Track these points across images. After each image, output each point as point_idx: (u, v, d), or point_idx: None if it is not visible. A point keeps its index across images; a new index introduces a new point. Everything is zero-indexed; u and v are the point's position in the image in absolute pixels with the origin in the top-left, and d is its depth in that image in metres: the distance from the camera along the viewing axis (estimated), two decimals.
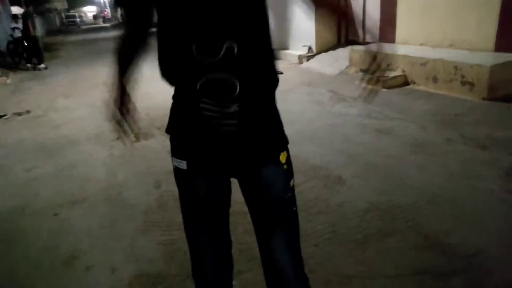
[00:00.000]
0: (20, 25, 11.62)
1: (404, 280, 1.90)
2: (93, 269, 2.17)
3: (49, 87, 7.96)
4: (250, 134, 1.02)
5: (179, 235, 2.16)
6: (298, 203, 1.18)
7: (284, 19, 8.56)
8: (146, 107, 5.39)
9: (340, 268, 2.00)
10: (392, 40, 6.37)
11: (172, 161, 1.14)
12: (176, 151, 1.11)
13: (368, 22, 7.01)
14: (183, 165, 1.10)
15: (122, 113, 1.15)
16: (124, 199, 2.93)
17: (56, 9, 40.72)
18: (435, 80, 4.96)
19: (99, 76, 8.55)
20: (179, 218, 1.24)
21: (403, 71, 5.42)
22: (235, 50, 0.92)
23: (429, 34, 5.70)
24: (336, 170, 3.11)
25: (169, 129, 1.10)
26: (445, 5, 5.35)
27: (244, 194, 1.15)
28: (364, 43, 1.16)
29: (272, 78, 1.05)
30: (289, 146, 1.17)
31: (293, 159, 1.18)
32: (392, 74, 5.45)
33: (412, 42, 6.00)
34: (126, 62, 1.13)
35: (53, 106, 6.20)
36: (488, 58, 4.53)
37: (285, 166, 1.10)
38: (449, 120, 3.99)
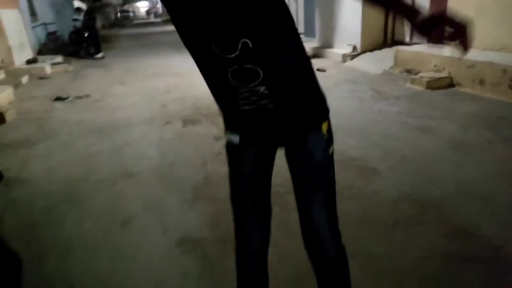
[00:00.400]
0: (80, 17, 12.50)
1: (429, 262, 2.02)
2: (146, 230, 2.47)
3: (106, 75, 8.58)
4: (287, 109, 1.14)
5: (223, 208, 2.41)
6: (336, 188, 1.30)
7: (330, 18, 8.63)
8: (192, 97, 5.75)
9: (367, 247, 2.16)
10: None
11: (225, 136, 1.31)
12: (230, 126, 1.28)
13: None
14: (236, 139, 1.26)
15: None
16: (174, 175, 3.23)
17: (111, 4, 42.98)
18: (481, 83, 4.89)
19: (151, 67, 9.09)
20: (223, 194, 1.43)
21: (449, 72, 5.37)
22: (250, 45, 1.02)
23: (479, 36, 5.59)
24: (372, 162, 3.24)
25: (222, 109, 1.26)
26: (498, 8, 5.24)
27: (288, 160, 1.29)
28: (411, 43, 1.21)
29: (297, 61, 1.16)
30: None
31: (335, 154, 1.30)
32: (438, 75, 5.42)
33: None
34: None
35: (110, 92, 6.71)
36: None
37: (326, 135, 1.23)
38: (492, 122, 3.96)
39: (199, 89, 5.65)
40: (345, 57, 7.82)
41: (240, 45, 1.02)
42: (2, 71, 8.21)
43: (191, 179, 3.09)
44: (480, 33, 5.44)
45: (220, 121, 1.36)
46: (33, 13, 11.92)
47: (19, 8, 10.25)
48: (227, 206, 1.40)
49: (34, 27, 11.31)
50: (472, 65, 5.04)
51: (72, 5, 16.56)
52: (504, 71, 4.57)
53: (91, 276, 2.08)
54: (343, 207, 2.54)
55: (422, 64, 5.94)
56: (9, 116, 5.05)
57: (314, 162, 1.23)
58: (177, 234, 2.38)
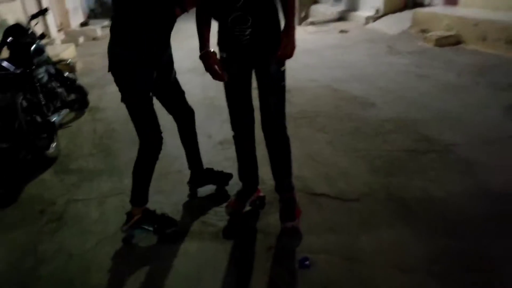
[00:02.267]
0: None
1: (395, 153, 2.88)
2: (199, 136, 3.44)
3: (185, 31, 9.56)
4: (258, 44, 1.87)
5: None
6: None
7: None
8: None
9: (353, 146, 3.04)
10: (455, 2, 6.77)
11: (219, 53, 2.06)
12: (221, 46, 2.04)
13: None
14: (224, 55, 1.97)
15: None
16: (215, 105, 4.17)
17: None
18: (484, 39, 5.46)
19: (190, 29, 9.95)
20: None
21: (457, 31, 5.93)
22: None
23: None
24: (371, 98, 4.04)
25: (218, 41, 2.04)
26: None
27: (257, 77, 1.99)
28: (430, 5, 1.91)
29: (273, 16, 1.87)
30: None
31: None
32: (447, 33, 5.99)
33: (473, 5, 6.38)
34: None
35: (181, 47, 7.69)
36: None
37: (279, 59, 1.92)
38: (484, 70, 4.61)
39: None
40: (368, 19, 8.37)
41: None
42: (62, 32, 9.38)
43: (226, 107, 4.02)
44: None
45: None
46: None
47: None
48: None
49: None
50: (477, 23, 5.59)
51: None
52: (505, 28, 5.12)
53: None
54: (342, 126, 3.43)
55: (436, 24, 6.49)
56: (78, 66, 6.14)
57: (272, 75, 1.95)
58: (218, 139, 3.35)
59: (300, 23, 9.21)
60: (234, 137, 2.28)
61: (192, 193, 2.58)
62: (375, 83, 4.57)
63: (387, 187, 2.46)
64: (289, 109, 2.16)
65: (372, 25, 8.06)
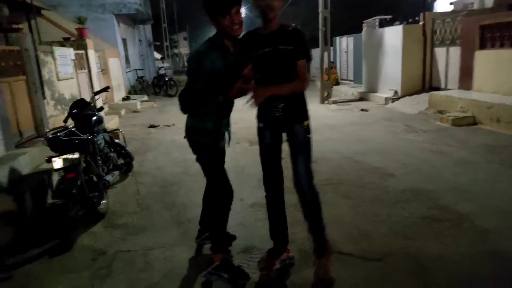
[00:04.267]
0: (163, 65, 14.98)
1: (413, 219, 3.14)
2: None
3: None
4: (288, 115, 2.35)
5: None
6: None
7: (375, 66, 9.95)
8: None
9: (374, 211, 3.32)
10: (469, 87, 7.31)
11: (258, 124, 2.55)
12: (259, 119, 2.53)
13: (449, 73, 8.04)
14: (261, 125, 2.49)
15: None
16: (245, 173, 4.59)
17: (180, 53, 48.07)
18: (498, 121, 5.84)
19: None
20: None
21: (472, 113, 6.37)
22: None
23: (499, 84, 6.58)
24: (390, 170, 4.38)
25: (259, 116, 2.55)
26: None
27: (288, 139, 2.41)
28: (445, 89, 2.43)
29: (299, 97, 2.39)
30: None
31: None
32: (463, 114, 6.43)
33: (485, 90, 6.90)
34: None
35: None
36: None
37: (306, 127, 2.37)
38: (497, 149, 4.93)
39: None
40: (387, 100, 8.99)
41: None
42: (107, 105, 10.41)
43: (255, 176, 4.42)
44: (500, 81, 6.47)
45: None
46: (127, 61, 14.57)
47: (119, 57, 12.79)
48: None
49: (127, 72, 13.85)
50: (491, 106, 6.02)
51: (153, 55, 19.54)
52: None
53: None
54: (363, 193, 3.75)
55: (451, 106, 6.97)
56: (123, 137, 6.82)
57: (300, 139, 2.39)
58: (250, 202, 3.70)
59: (323, 102, 9.93)
60: (266, 197, 2.62)
61: (199, 249, 2.89)
62: (394, 156, 4.93)
63: (405, 247, 2.70)
64: (315, 177, 2.51)
65: (392, 105, 8.64)
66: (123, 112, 10.13)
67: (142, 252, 2.96)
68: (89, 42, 9.26)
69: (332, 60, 14.34)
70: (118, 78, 12.21)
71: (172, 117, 9.25)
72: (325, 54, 10.17)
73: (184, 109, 2.48)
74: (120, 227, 3.45)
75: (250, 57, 2.41)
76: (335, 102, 9.70)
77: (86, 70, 9.08)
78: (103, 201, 3.70)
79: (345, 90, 11.62)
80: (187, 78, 2.44)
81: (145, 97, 12.69)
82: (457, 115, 6.48)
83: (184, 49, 55.10)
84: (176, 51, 41.74)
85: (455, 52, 7.94)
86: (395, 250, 2.70)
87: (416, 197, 3.57)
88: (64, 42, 9.13)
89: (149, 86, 15.26)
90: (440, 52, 8.54)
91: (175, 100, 11.97)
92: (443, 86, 8.35)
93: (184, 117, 2.55)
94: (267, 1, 2.24)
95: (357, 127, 6.91)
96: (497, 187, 3.69)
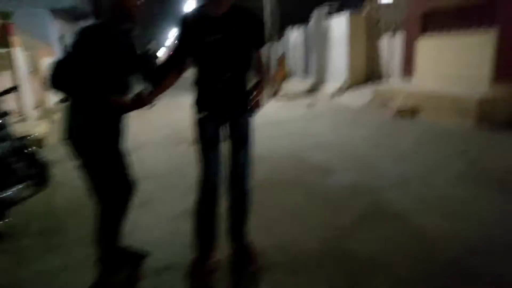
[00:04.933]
0: None
1: (349, 219, 2.90)
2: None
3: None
4: (232, 105, 2.13)
5: None
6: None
7: (323, 58, 9.87)
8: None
9: (305, 209, 3.06)
10: (411, 76, 7.36)
11: (196, 115, 2.18)
12: (199, 107, 2.20)
13: (393, 63, 8.06)
14: (201, 116, 2.14)
15: None
16: (176, 179, 4.20)
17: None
18: (438, 110, 5.85)
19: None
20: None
21: (413, 104, 6.36)
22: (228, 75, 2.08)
23: (440, 72, 6.64)
24: (331, 166, 4.17)
25: (198, 102, 2.22)
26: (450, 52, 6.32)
27: (230, 132, 2.18)
28: (389, 79, 2.23)
29: (244, 85, 2.17)
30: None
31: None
32: (403, 106, 6.41)
33: (426, 79, 6.93)
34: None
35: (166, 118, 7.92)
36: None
37: (249, 119, 2.19)
38: (437, 139, 4.88)
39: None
40: (333, 94, 8.92)
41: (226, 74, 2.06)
42: (38, 109, 9.55)
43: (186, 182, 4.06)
44: (440, 69, 6.50)
45: None
46: None
47: (56, 56, 11.83)
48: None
49: None
50: (431, 96, 6.04)
51: None
52: (455, 100, 5.54)
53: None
54: (298, 193, 3.45)
55: (394, 97, 6.95)
56: (49, 142, 6.18)
57: (242, 131, 2.18)
58: (175, 212, 3.32)
59: (268, 98, 9.70)
60: (199, 198, 2.27)
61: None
62: (336, 152, 4.74)
63: (341, 251, 2.46)
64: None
65: (338, 99, 8.56)
66: (58, 116, 9.31)
67: (41, 278, 2.51)
68: (15, 39, 8.40)
69: (282, 53, 14.15)
70: None
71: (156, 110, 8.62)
72: (274, 47, 9.91)
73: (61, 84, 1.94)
74: (20, 250, 2.94)
75: (195, 46, 2.05)
76: (282, 98, 9.50)
77: (10, 71, 8.23)
78: (2, 221, 3.17)
79: (295, 85, 11.48)
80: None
81: None
82: (400, 107, 6.45)
83: None
84: None
85: (398, 41, 7.95)
86: (329, 255, 2.44)
87: (355, 196, 3.36)
88: None
89: None
90: (384, 41, 8.55)
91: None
92: (386, 76, 8.37)
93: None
94: None
95: (302, 123, 6.71)
96: (439, 178, 3.57)
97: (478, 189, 3.31)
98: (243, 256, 2.33)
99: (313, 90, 10.17)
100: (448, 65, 6.43)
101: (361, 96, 8.02)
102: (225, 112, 2.16)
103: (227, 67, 2.05)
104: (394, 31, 8.19)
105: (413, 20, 7.26)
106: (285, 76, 13.42)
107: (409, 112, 6.29)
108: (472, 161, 4.00)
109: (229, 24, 2.00)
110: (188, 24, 2.08)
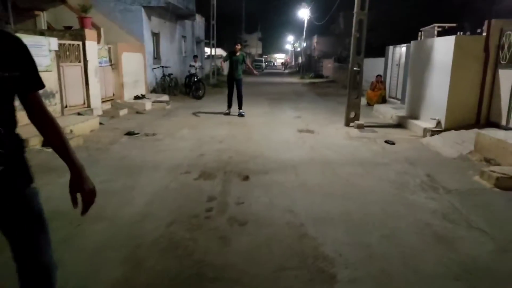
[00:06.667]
0: (196, 64, 14.07)
1: None
2: None
3: (189, 117, 9.25)
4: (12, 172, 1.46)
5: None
6: None
7: (419, 87, 7.82)
8: (235, 150, 5.75)
9: None
10: None
11: None
12: None
13: None
14: None
15: None
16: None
17: (250, 53, 47.43)
18: None
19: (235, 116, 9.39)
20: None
21: None
22: (2, 132, 1.39)
23: None
24: (342, 263, 2.65)
25: None
26: None
27: (13, 213, 1.50)
28: (507, 128, 1.03)
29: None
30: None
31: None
32: None
33: None
34: None
35: (174, 134, 7.18)
36: None
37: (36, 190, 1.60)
38: None
39: (249, 143, 5.84)
40: (425, 132, 6.90)
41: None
42: (109, 102, 9.64)
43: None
44: None
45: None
46: (157, 57, 13.87)
47: (143, 52, 12.04)
48: None
49: (154, 68, 13.09)
50: None
51: (202, 53, 18.85)
52: None
53: None
54: None
55: (505, 154, 4.81)
56: (73, 143, 5.80)
57: (36, 208, 1.55)
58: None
59: (348, 124, 8.09)
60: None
61: None
62: (366, 234, 3.15)
63: None
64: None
65: (428, 140, 6.54)
66: (123, 112, 9.23)
67: None
68: (89, 32, 8.51)
69: (380, 74, 12.27)
70: (137, 74, 11.44)
71: (166, 124, 8.13)
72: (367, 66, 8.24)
73: None
74: None
75: None
76: (360, 127, 7.77)
77: (81, 64, 8.33)
78: None
79: (385, 111, 9.53)
80: None
81: (165, 97, 11.78)
82: (508, 171, 4.36)
83: (254, 49, 54.64)
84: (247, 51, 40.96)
85: None
86: None
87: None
88: (64, 31, 8.51)
89: (179, 85, 14.44)
90: (506, 75, 6.23)
91: (197, 103, 11.02)
92: (504, 123, 6.06)
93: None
94: None
95: (359, 169, 5.05)
96: None
97: None
98: None
99: (402, 123, 8.21)
100: None
101: (460, 142, 5.92)
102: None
103: None
104: None
105: None
106: (382, 98, 11.52)
107: None
108: None
109: None
110: None
